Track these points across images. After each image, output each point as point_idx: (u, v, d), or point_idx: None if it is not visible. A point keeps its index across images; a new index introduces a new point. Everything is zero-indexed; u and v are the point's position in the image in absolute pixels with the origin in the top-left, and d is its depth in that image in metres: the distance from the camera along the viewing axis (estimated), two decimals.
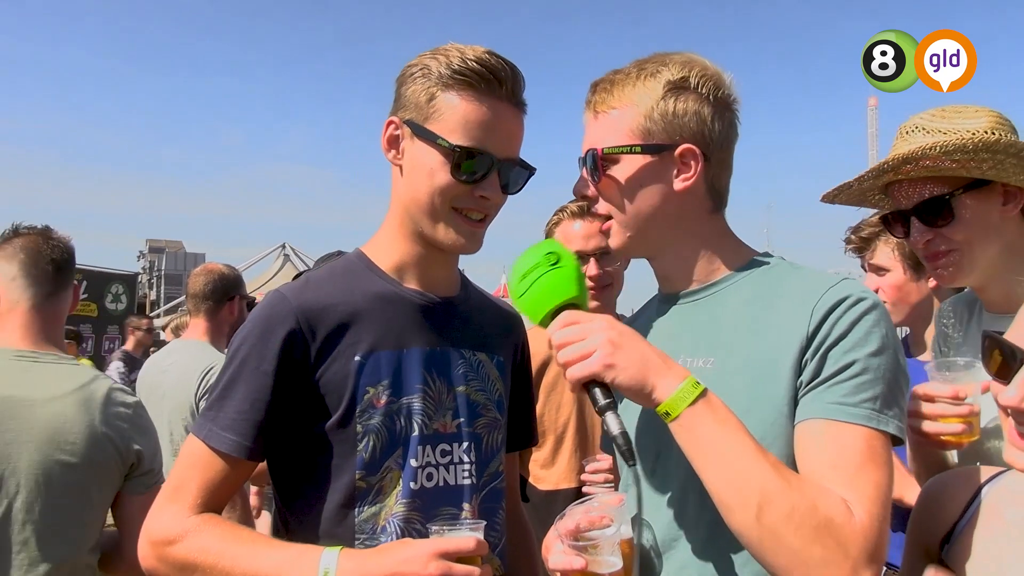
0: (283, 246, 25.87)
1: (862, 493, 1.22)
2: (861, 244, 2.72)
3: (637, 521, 1.42)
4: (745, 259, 1.54)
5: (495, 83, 1.52)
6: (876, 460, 1.26)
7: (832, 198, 1.99)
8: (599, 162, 1.49)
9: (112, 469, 2.17)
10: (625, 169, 1.49)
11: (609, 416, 1.29)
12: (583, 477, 2.38)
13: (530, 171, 1.62)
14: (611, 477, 2.25)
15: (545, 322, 1.39)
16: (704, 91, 1.48)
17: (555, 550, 1.40)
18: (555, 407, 2.84)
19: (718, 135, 1.49)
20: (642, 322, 1.65)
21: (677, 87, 1.47)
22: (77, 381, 2.18)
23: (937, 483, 1.43)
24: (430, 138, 1.52)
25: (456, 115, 1.51)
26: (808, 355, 1.33)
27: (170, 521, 1.49)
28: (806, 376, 1.33)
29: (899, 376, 1.34)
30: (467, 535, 1.39)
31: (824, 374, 1.32)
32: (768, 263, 1.53)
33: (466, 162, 1.51)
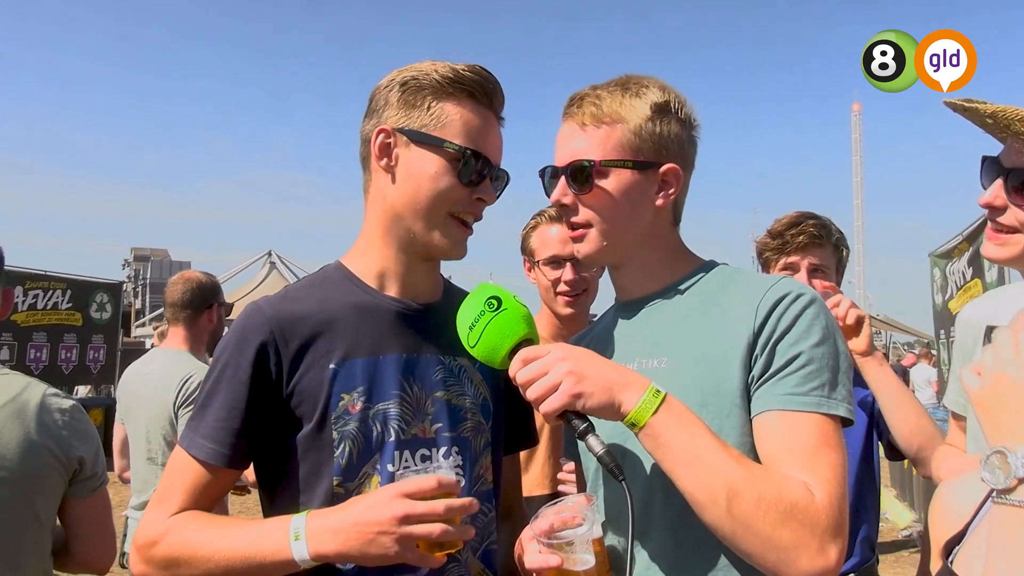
0: (269, 254, 25.80)
1: (820, 475, 1.32)
2: (810, 241, 2.60)
3: (607, 524, 1.53)
4: (692, 266, 1.65)
5: (492, 95, 1.62)
6: (829, 443, 1.36)
7: (958, 107, 1.73)
8: (589, 173, 1.54)
9: (54, 479, 2.11)
10: (612, 182, 1.55)
11: (591, 439, 1.36)
12: (560, 476, 2.36)
13: (508, 180, 1.70)
14: None
15: (504, 364, 1.45)
16: (682, 116, 1.59)
17: (530, 550, 1.45)
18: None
19: (690, 158, 1.62)
20: (600, 330, 1.74)
21: (661, 109, 1.56)
22: (9, 392, 2.08)
23: (952, 483, 1.41)
24: (435, 143, 1.57)
25: (458, 122, 1.58)
26: (757, 350, 1.43)
27: (152, 524, 1.54)
28: (757, 370, 1.43)
29: (841, 362, 1.44)
30: (428, 475, 1.42)
31: (774, 367, 1.41)
32: (713, 268, 1.64)
33: (472, 165, 1.57)
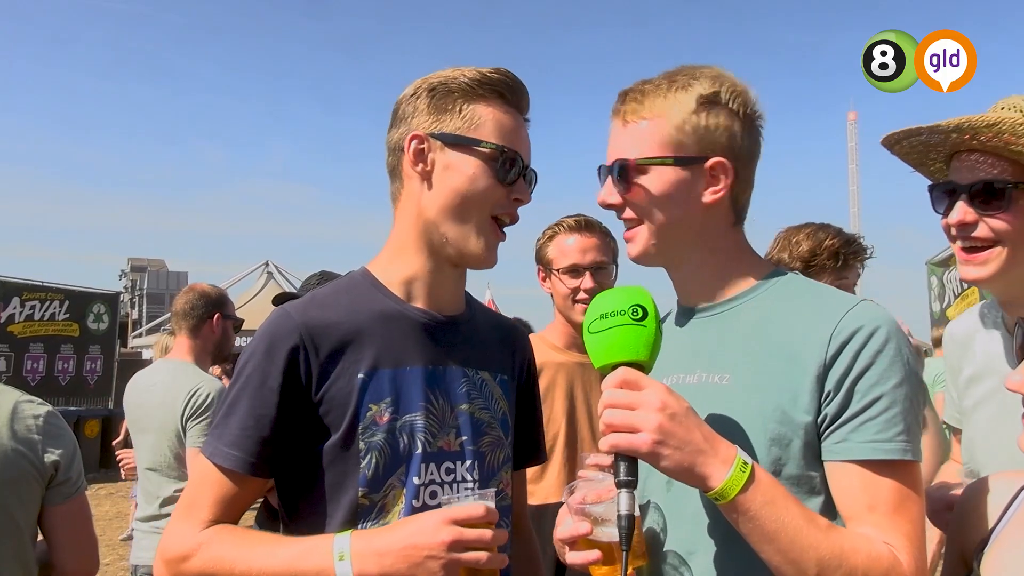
0: (266, 264, 25.70)
1: (905, 535, 1.30)
2: (861, 261, 2.72)
3: (646, 505, 1.50)
4: (762, 273, 1.56)
5: (521, 95, 1.63)
6: (912, 493, 1.33)
7: (895, 141, 1.81)
8: (630, 172, 1.49)
9: (31, 485, 2.10)
10: (654, 180, 1.49)
11: (625, 495, 1.28)
12: (580, 474, 2.35)
13: (537, 178, 1.69)
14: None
15: (605, 371, 1.36)
16: (735, 106, 1.50)
17: (563, 523, 1.44)
18: (544, 419, 2.82)
19: (746, 150, 1.52)
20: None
21: (709, 101, 1.48)
22: None
23: (976, 488, 1.41)
24: (471, 144, 1.56)
25: (491, 122, 1.58)
26: (830, 385, 1.36)
27: (182, 538, 1.50)
28: (832, 409, 1.35)
29: (921, 400, 1.39)
30: (477, 503, 1.41)
31: (852, 410, 1.34)
32: (784, 279, 1.55)
33: (508, 164, 1.57)
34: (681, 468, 1.26)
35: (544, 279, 2.93)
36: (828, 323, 1.38)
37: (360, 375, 1.54)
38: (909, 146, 1.79)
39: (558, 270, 2.84)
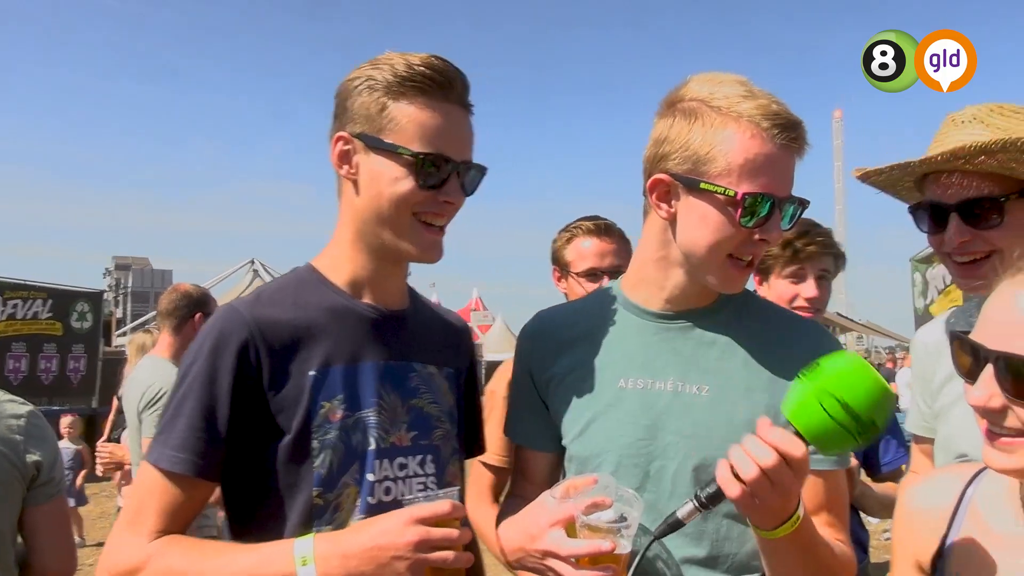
0: (252, 261, 25.54)
1: (847, 532, 1.54)
2: (820, 250, 2.68)
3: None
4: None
5: (447, 87, 1.52)
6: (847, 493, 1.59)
7: (866, 177, 1.86)
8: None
9: (13, 486, 2.07)
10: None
11: (689, 508, 1.33)
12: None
13: (483, 172, 1.61)
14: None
15: (789, 423, 1.30)
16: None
17: (553, 536, 1.38)
18: None
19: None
20: (616, 336, 1.64)
21: None
22: None
23: (917, 493, 1.37)
24: (389, 149, 1.50)
25: (412, 123, 1.49)
26: None
27: (129, 550, 1.43)
28: None
29: None
30: (441, 500, 1.39)
31: None
32: (744, 294, 1.61)
33: (429, 169, 1.49)
34: (762, 521, 1.33)
35: (560, 279, 2.96)
36: (801, 342, 1.53)
37: (311, 372, 1.50)
38: (877, 180, 1.85)
39: (576, 273, 2.86)
